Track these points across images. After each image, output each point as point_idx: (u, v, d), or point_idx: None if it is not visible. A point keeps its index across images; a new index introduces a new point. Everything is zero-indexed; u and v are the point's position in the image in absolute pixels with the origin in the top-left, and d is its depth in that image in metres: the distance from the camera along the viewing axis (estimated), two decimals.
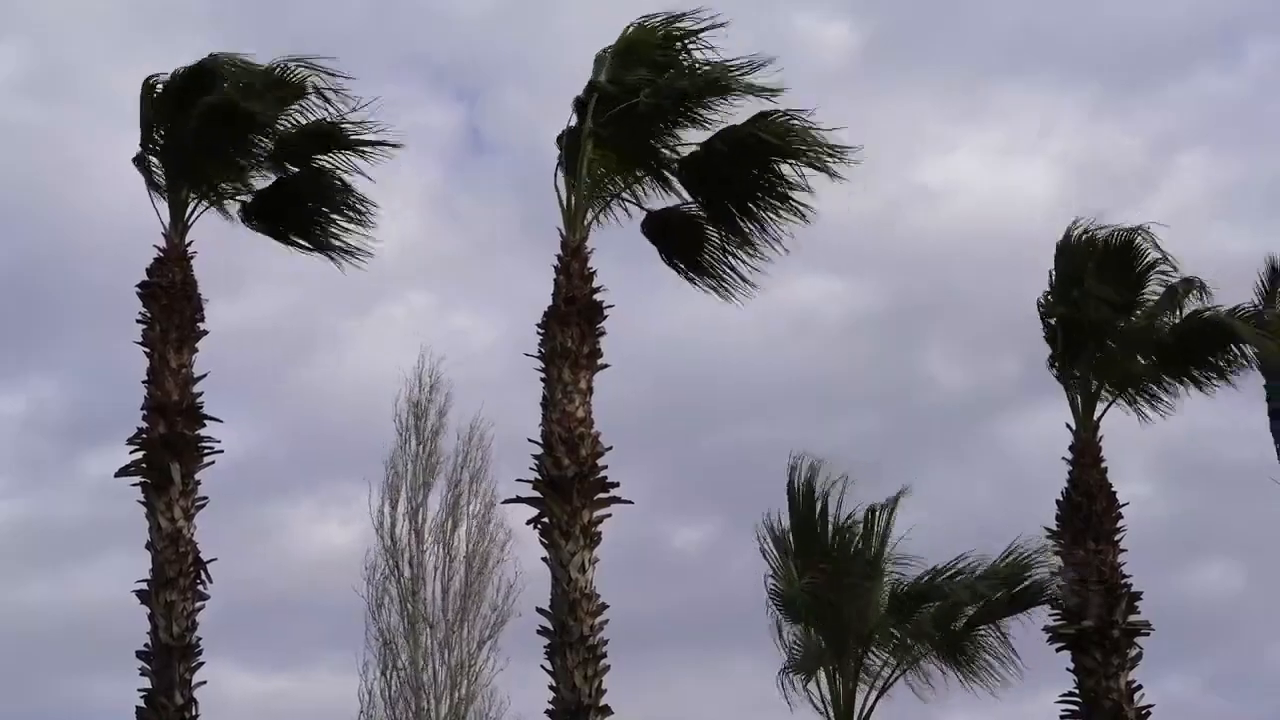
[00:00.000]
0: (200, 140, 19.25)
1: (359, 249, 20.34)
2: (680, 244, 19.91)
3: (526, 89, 41.32)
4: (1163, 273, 20.21)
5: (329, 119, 19.69)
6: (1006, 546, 18.83)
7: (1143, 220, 20.01)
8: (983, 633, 18.99)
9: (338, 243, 20.36)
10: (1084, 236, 20.02)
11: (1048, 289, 20.23)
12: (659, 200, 19.75)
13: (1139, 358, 20.13)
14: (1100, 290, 19.79)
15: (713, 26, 18.60)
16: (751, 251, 19.66)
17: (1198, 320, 19.97)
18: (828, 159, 18.64)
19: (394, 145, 19.74)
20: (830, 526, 19.02)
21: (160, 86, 19.44)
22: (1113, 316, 19.86)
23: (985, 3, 45.67)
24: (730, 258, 19.81)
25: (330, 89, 19.46)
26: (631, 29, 18.97)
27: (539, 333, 18.60)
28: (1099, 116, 46.00)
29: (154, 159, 19.60)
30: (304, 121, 19.76)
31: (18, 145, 37.88)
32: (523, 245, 39.23)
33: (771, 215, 19.32)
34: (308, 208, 20.29)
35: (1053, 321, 20.10)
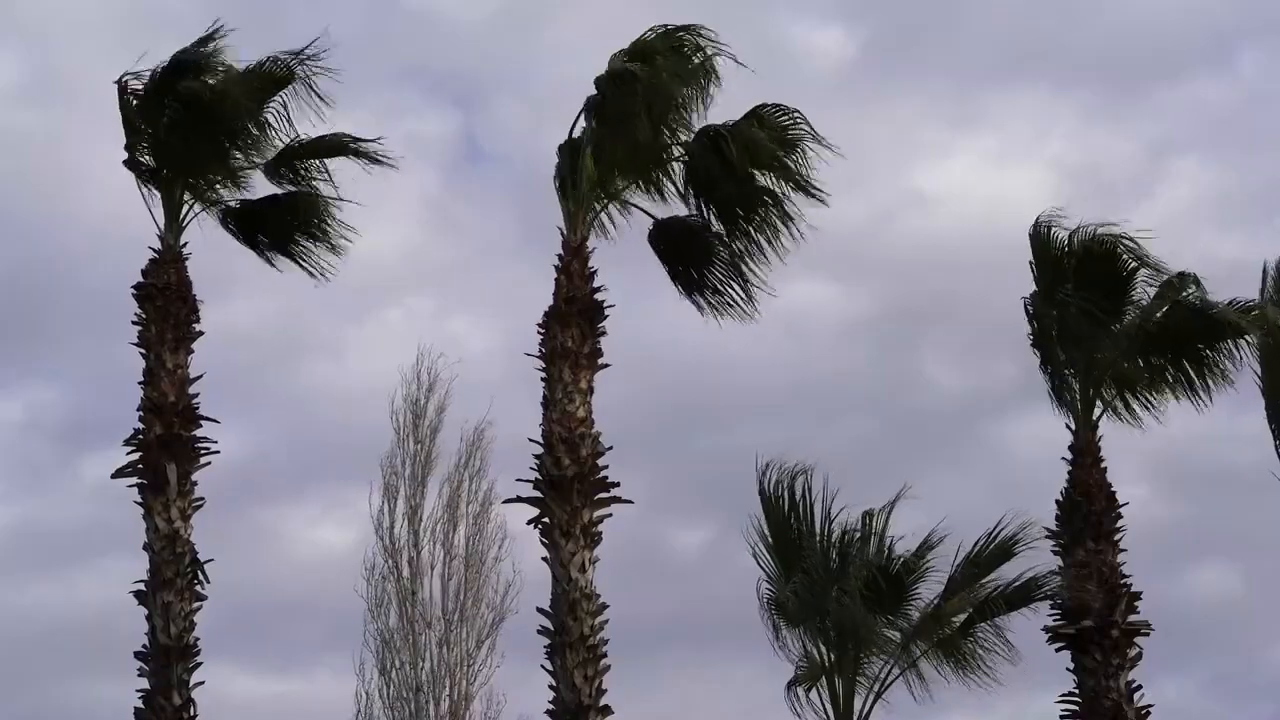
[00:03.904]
0: (185, 136, 19.15)
1: (327, 268, 20.28)
2: (684, 258, 19.80)
3: (524, 97, 41.37)
4: (1147, 278, 20.13)
5: (329, 133, 19.65)
6: (989, 529, 18.72)
7: (1134, 225, 19.93)
8: (980, 632, 18.90)
9: (310, 261, 20.28)
10: (1061, 236, 19.99)
11: (1033, 290, 20.20)
12: (659, 204, 19.73)
13: (1130, 359, 20.03)
14: (1082, 300, 19.75)
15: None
16: (753, 262, 19.57)
17: (1187, 312, 19.89)
18: (803, 179, 18.77)
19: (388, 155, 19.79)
20: (806, 531, 18.85)
21: (136, 84, 19.27)
22: (1101, 320, 19.77)
23: (979, 8, 45.71)
24: (735, 275, 19.71)
25: (314, 82, 19.40)
26: (650, 35, 18.89)
27: (539, 333, 18.59)
28: (1093, 122, 46.12)
29: (145, 159, 19.51)
30: (288, 115, 19.62)
31: (15, 151, 37.85)
32: (521, 252, 39.29)
33: (765, 223, 19.29)
34: (285, 222, 20.18)
35: (1040, 325, 20.09)
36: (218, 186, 19.86)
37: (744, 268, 19.67)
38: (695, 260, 19.83)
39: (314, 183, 20.03)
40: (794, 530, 18.67)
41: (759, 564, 18.76)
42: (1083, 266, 19.87)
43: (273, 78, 19.37)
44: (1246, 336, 19.65)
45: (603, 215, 19.46)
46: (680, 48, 18.99)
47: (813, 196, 19.04)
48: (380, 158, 19.72)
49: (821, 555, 18.55)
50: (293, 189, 20.05)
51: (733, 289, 19.81)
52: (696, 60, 18.93)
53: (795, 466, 18.68)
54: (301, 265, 20.29)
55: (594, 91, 18.87)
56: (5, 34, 41.68)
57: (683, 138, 19.21)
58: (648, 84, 18.54)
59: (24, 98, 41.22)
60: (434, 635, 30.04)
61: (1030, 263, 20.17)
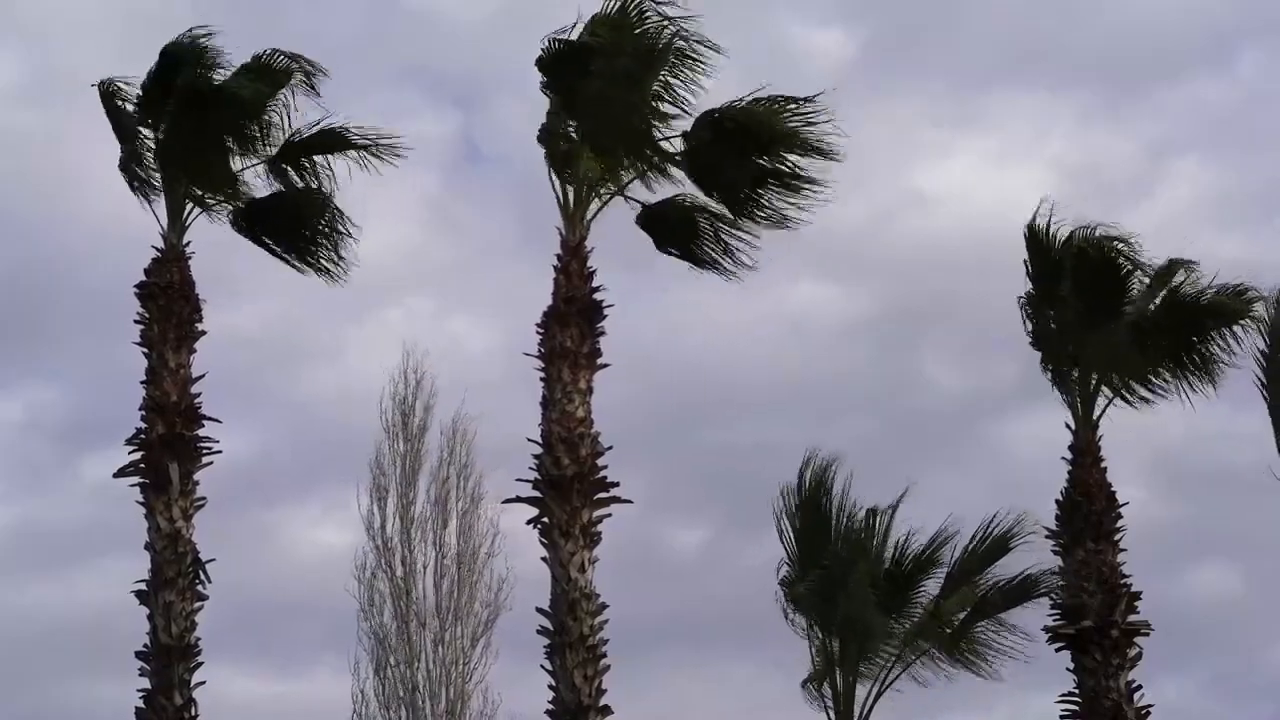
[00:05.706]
0: (187, 132, 19.10)
1: (339, 266, 20.22)
2: (677, 234, 19.75)
3: (524, 97, 41.26)
4: (1140, 278, 20.15)
5: (333, 124, 19.60)
6: (984, 523, 18.76)
7: (1128, 226, 19.97)
8: (981, 628, 18.95)
9: (320, 260, 20.23)
10: (1060, 234, 20.04)
11: (1028, 289, 20.23)
12: (657, 192, 19.69)
13: (1129, 352, 20.06)
14: (1079, 303, 19.79)
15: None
16: (747, 234, 19.59)
17: (1180, 301, 19.90)
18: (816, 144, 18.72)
19: (394, 145, 19.67)
20: (835, 526, 18.96)
21: (125, 86, 19.28)
22: (1099, 321, 19.81)
23: (979, 8, 45.73)
24: (728, 240, 19.70)
25: (311, 78, 19.33)
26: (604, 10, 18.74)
27: (538, 333, 18.59)
28: (1093, 122, 46.17)
29: (147, 160, 19.48)
30: (291, 115, 19.62)
31: (15, 151, 37.89)
32: (521, 252, 39.26)
33: (769, 203, 19.29)
34: (293, 222, 20.16)
35: (1037, 322, 20.12)
36: (222, 186, 19.78)
37: (739, 235, 19.66)
38: (684, 232, 19.76)
39: (319, 179, 19.98)
40: (822, 525, 18.78)
41: (782, 543, 18.85)
42: (1079, 268, 19.89)
43: (271, 71, 19.27)
44: (1241, 321, 19.68)
45: (602, 210, 19.39)
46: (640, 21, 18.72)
47: (828, 158, 18.90)
48: (380, 150, 19.61)
49: (835, 551, 18.64)
50: (298, 186, 20.00)
51: (715, 252, 19.78)
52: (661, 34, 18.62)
53: (829, 458, 18.84)
54: (312, 265, 20.27)
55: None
56: (5, 34, 41.73)
57: (673, 115, 19.17)
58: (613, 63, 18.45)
59: (24, 98, 41.27)
60: (428, 634, 30.11)
61: (1025, 261, 20.22)
